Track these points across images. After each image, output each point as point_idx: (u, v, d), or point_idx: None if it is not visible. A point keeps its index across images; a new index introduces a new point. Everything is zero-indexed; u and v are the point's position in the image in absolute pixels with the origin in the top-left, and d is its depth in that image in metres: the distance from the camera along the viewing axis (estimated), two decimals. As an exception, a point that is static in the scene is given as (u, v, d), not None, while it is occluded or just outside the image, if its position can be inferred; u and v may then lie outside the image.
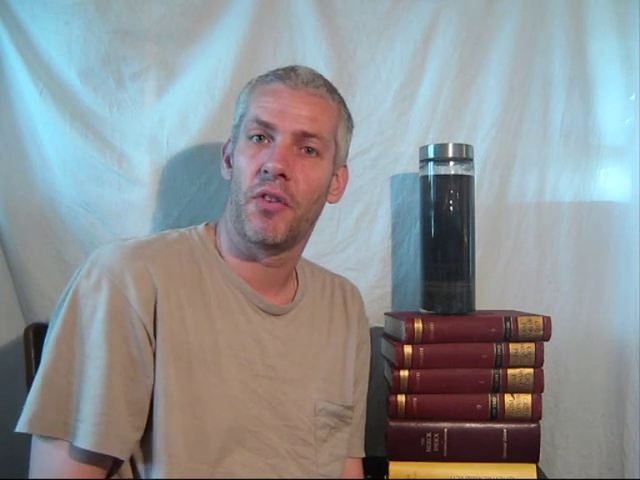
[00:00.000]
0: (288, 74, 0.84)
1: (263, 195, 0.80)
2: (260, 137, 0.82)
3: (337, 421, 0.92)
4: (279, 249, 0.85)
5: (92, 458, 0.72)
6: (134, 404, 0.74)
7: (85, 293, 0.75)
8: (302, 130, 0.81)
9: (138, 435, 0.75)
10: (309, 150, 0.83)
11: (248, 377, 0.82)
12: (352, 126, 0.93)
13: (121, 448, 0.73)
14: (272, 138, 0.82)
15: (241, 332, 0.84)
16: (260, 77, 0.87)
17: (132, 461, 0.77)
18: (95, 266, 0.76)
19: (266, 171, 0.79)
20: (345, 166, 0.95)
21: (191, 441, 0.76)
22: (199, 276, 0.83)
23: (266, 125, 0.81)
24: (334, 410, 0.91)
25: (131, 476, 0.77)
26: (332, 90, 0.87)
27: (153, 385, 0.76)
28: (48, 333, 0.77)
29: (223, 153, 0.91)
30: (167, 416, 0.75)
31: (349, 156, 1.23)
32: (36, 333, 0.97)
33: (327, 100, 0.85)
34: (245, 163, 0.82)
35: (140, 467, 0.77)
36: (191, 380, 0.77)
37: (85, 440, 0.70)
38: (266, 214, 0.80)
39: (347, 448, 0.94)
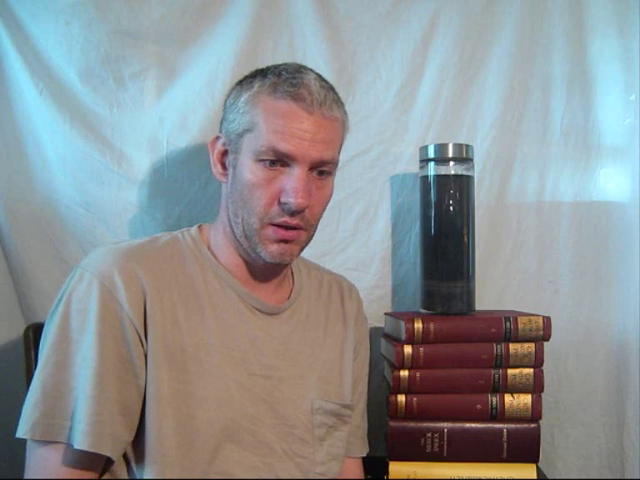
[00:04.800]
0: (300, 92, 0.79)
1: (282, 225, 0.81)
2: (273, 162, 0.80)
3: (335, 420, 0.91)
4: None
5: (85, 459, 0.73)
6: (126, 405, 0.75)
7: (77, 297, 0.76)
8: (320, 159, 0.81)
9: (130, 436, 0.76)
10: (321, 172, 0.83)
11: (244, 376, 0.83)
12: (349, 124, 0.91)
13: (113, 448, 0.73)
14: (287, 165, 0.80)
15: (235, 332, 0.84)
16: (262, 83, 0.82)
17: (127, 462, 0.78)
18: (86, 270, 0.77)
19: (287, 204, 0.79)
20: None
21: (184, 441, 0.76)
22: (191, 278, 0.84)
23: (284, 155, 0.79)
24: (331, 409, 0.91)
25: (126, 476, 0.78)
26: (339, 102, 0.85)
27: (145, 386, 0.76)
28: (43, 338, 0.77)
29: (212, 150, 0.89)
30: (159, 417, 0.75)
31: (348, 157, 1.23)
32: (36, 333, 0.97)
33: (338, 120, 0.84)
34: (259, 188, 0.80)
35: (134, 467, 0.77)
36: (186, 380, 0.78)
37: (81, 441, 0.71)
38: (284, 241, 0.82)
39: (345, 447, 0.94)
